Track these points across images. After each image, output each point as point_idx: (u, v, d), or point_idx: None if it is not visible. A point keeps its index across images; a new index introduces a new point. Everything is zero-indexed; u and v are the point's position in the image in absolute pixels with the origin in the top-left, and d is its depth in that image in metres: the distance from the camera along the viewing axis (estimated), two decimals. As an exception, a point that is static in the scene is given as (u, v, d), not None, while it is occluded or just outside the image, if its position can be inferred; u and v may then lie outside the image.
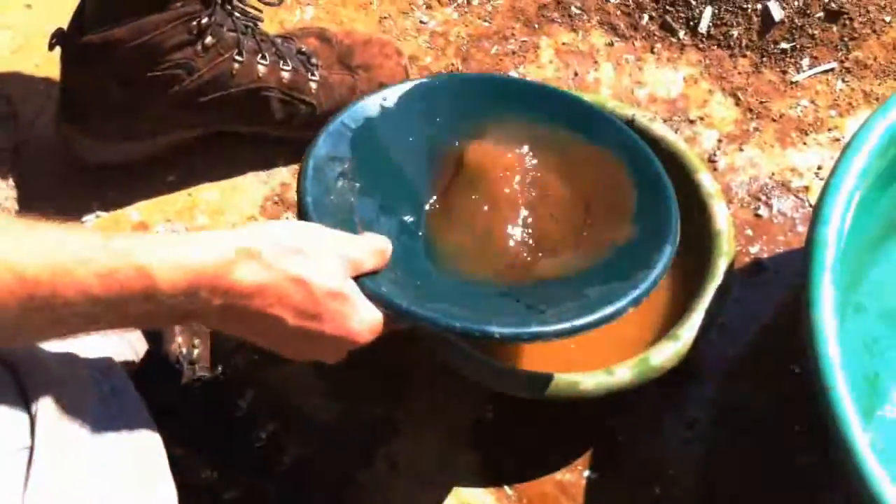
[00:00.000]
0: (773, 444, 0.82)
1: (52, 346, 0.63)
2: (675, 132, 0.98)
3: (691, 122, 1.00)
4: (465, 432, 0.84)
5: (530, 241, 0.77)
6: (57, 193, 0.94)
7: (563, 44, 1.05)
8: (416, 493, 0.82)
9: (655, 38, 1.05)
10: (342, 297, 0.61)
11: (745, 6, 1.03)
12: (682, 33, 1.04)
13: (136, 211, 0.94)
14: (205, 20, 0.85)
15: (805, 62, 1.01)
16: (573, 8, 1.07)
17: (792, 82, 1.01)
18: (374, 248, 0.65)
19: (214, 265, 0.56)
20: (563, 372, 0.77)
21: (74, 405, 0.60)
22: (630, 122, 0.88)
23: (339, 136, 0.75)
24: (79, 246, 0.52)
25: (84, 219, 0.93)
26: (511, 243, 0.77)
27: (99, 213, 0.94)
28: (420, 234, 0.77)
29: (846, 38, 1.01)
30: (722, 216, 0.84)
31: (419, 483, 0.82)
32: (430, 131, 0.80)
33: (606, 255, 0.74)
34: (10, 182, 0.89)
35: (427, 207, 0.78)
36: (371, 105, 0.78)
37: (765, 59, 1.02)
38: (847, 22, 1.02)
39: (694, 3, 1.04)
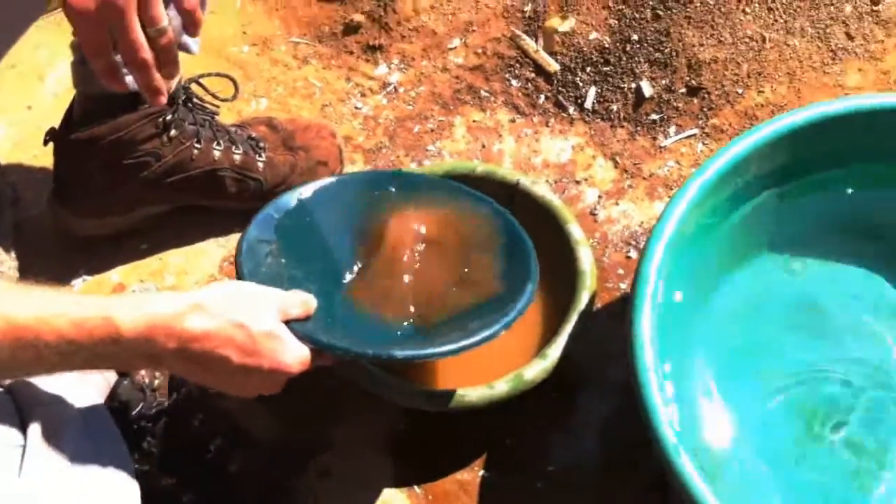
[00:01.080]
0: (631, 438, 1.00)
1: (45, 384, 0.82)
2: (563, 192, 1.19)
3: (577, 182, 1.20)
4: (384, 444, 1.02)
5: (427, 291, 0.94)
6: (51, 261, 1.14)
7: (474, 121, 1.26)
8: (342, 496, 1.00)
9: (550, 114, 1.25)
10: (275, 337, 0.75)
11: (622, 85, 1.24)
12: (571, 109, 1.25)
13: (116, 274, 1.14)
14: (169, 117, 1.06)
15: (672, 129, 1.22)
16: (482, 91, 1.28)
17: (661, 146, 1.21)
18: (299, 299, 0.80)
19: (169, 315, 0.70)
20: (454, 386, 0.96)
21: (61, 418, 0.77)
22: (515, 185, 1.09)
23: (267, 222, 0.92)
24: (60, 302, 0.68)
25: (73, 281, 1.13)
26: (411, 293, 0.94)
27: (85, 276, 1.14)
28: (341, 294, 0.92)
29: (705, 108, 1.22)
30: (586, 259, 1.03)
31: (345, 487, 1.00)
32: (340, 216, 0.98)
33: (482, 299, 0.92)
34: (13, 254, 1.09)
35: (345, 274, 0.94)
36: (291, 198, 0.97)
37: (639, 128, 1.22)
38: (706, 95, 1.22)
39: (581, 84, 1.25)
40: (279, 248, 0.91)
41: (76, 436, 0.77)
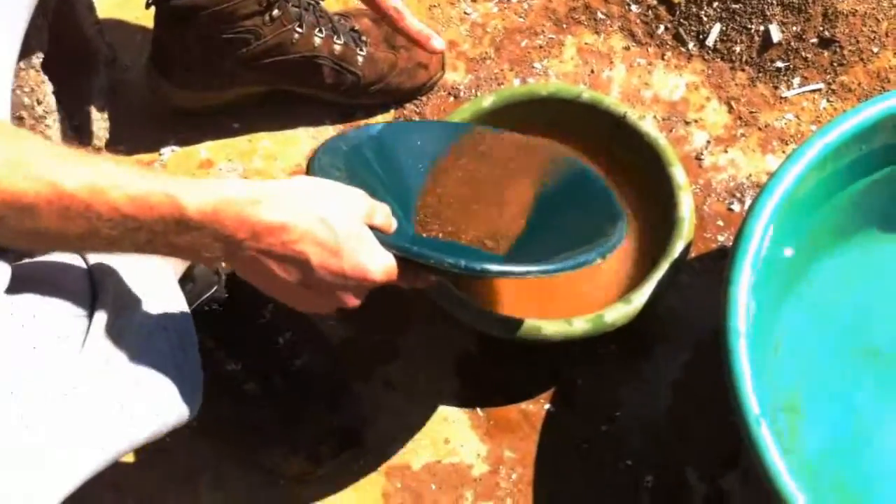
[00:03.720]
0: (707, 405, 0.97)
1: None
2: (670, 131, 1.13)
3: (687, 123, 1.14)
4: (451, 362, 1.01)
5: (504, 225, 0.89)
6: (142, 128, 1.13)
7: (586, 43, 1.20)
8: (403, 406, 0.99)
9: (667, 46, 1.19)
10: (359, 238, 0.68)
11: (749, 26, 1.16)
12: (691, 45, 1.18)
13: (205, 149, 1.13)
14: (273, -4, 1.02)
15: (796, 81, 1.14)
16: (599, 13, 1.21)
17: (781, 97, 1.14)
18: (384, 208, 0.73)
19: (241, 199, 0.63)
20: (531, 318, 0.93)
21: (131, 294, 0.76)
22: (623, 117, 1.03)
23: (336, 151, 0.87)
24: (117, 173, 0.61)
25: (161, 150, 1.12)
26: (485, 225, 0.88)
27: (174, 147, 1.12)
28: (411, 227, 0.87)
29: (835, 63, 1.14)
30: (686, 206, 0.98)
31: (407, 399, 0.99)
32: (407, 157, 0.93)
33: (567, 236, 0.86)
34: (105, 115, 1.07)
35: (412, 212, 0.89)
36: (360, 133, 0.93)
37: (760, 74, 1.15)
38: (838, 49, 1.14)
39: (705, 19, 1.18)
40: (348, 177, 0.84)
41: (144, 315, 0.76)
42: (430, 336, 1.01)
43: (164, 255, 0.67)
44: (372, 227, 0.71)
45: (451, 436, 0.96)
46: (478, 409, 0.98)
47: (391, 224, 0.74)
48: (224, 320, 0.93)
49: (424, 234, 0.87)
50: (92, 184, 0.60)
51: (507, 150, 0.95)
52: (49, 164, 0.59)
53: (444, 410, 0.98)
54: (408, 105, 1.16)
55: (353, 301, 0.71)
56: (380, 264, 0.69)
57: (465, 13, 1.22)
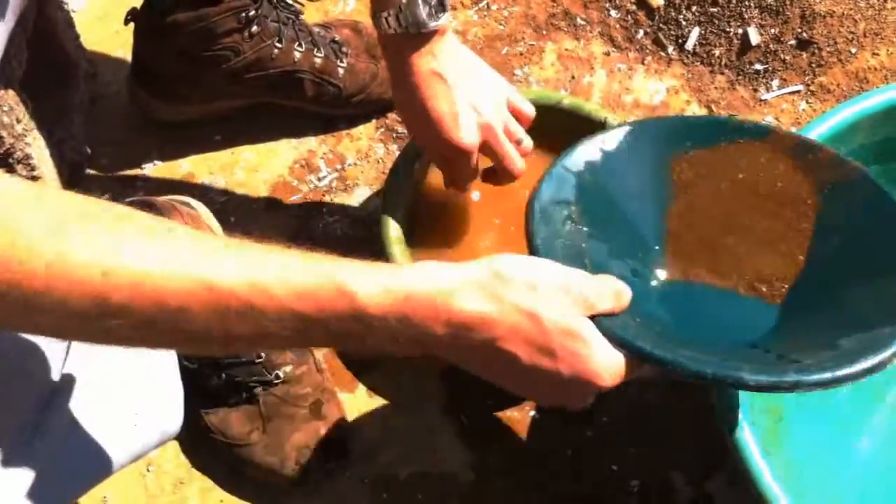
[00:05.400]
0: (693, 409, 0.98)
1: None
2: (651, 135, 1.14)
3: (667, 127, 1.14)
4: (436, 371, 1.01)
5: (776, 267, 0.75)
6: (124, 142, 1.13)
7: (566, 50, 1.20)
8: (388, 416, 0.99)
9: (647, 51, 1.19)
10: (576, 336, 0.58)
11: (727, 29, 1.17)
12: (670, 49, 1.19)
13: (187, 163, 1.13)
14: (252, 12, 1.02)
15: (775, 83, 1.15)
16: (579, 19, 1.22)
17: (761, 100, 1.14)
18: (610, 288, 0.61)
19: (430, 291, 0.55)
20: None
21: None
22: (603, 123, 1.04)
23: (561, 179, 0.75)
24: (278, 264, 0.54)
25: (143, 165, 1.12)
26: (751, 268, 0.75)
27: (157, 161, 1.13)
28: (653, 279, 0.76)
29: (814, 65, 1.15)
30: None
31: (392, 408, 0.99)
32: (650, 172, 0.79)
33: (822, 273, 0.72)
34: (86, 130, 1.07)
35: (657, 247, 0.77)
36: (590, 149, 0.78)
37: (740, 77, 1.16)
38: (816, 50, 1.15)
39: (684, 23, 1.18)
40: (580, 213, 0.73)
41: None
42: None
43: (351, 349, 0.60)
44: (595, 316, 0.60)
45: (437, 444, 0.97)
46: (463, 418, 0.98)
47: (622, 304, 0.62)
48: None
49: (674, 277, 0.76)
50: (253, 280, 0.52)
51: (773, 166, 0.79)
52: (200, 262, 0.52)
53: (429, 419, 0.98)
54: (390, 115, 1.16)
55: (576, 404, 0.61)
56: (605, 366, 0.58)
57: (446, 22, 1.23)
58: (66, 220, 0.50)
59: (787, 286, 0.73)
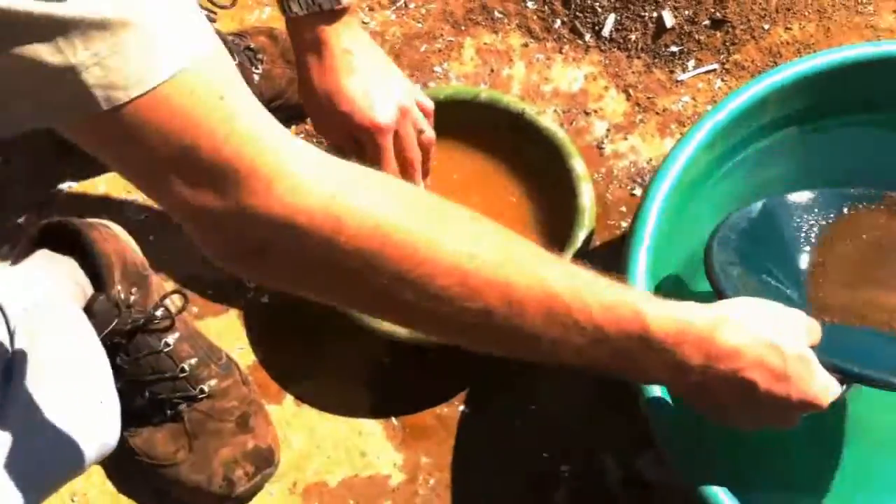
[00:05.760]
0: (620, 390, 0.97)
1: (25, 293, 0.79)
2: (571, 123, 1.14)
3: (587, 113, 1.14)
4: (363, 374, 1.00)
5: None
6: (38, 163, 1.11)
7: (485, 43, 1.20)
8: (317, 423, 0.98)
9: (565, 40, 1.19)
10: (806, 361, 0.65)
11: (642, 14, 1.17)
12: (587, 36, 1.18)
13: (104, 183, 1.11)
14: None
15: (690, 63, 1.15)
16: (496, 12, 1.21)
17: (677, 81, 1.15)
18: (815, 323, 0.70)
19: (702, 322, 0.62)
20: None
21: (42, 324, 0.76)
22: (520, 115, 1.04)
23: (726, 243, 0.84)
24: (588, 279, 0.60)
25: (59, 185, 1.10)
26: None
27: (71, 182, 1.11)
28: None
29: (728, 43, 1.15)
30: (587, 195, 0.98)
31: (320, 415, 0.98)
32: (794, 233, 0.89)
33: None
34: (-1, 158, 1.06)
35: (812, 296, 0.85)
36: (741, 218, 0.88)
37: (656, 60, 1.16)
38: (730, 29, 1.15)
39: (600, 10, 1.18)
40: (746, 272, 0.82)
41: (56, 342, 0.76)
42: (341, 349, 1.00)
43: (614, 374, 0.65)
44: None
45: (367, 448, 0.96)
46: (392, 419, 0.97)
47: (818, 337, 0.70)
48: (127, 350, 0.91)
49: (826, 320, 0.81)
50: (573, 287, 0.58)
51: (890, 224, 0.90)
52: (535, 262, 0.58)
53: (358, 423, 0.97)
54: (310, 119, 1.15)
55: (788, 425, 0.68)
56: (823, 388, 0.66)
57: (364, 22, 1.22)
58: (433, 209, 0.56)
59: None
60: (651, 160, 1.10)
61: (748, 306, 0.66)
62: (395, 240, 0.53)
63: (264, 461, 0.92)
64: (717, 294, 0.77)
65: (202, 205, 0.50)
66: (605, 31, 1.18)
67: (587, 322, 0.58)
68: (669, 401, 0.77)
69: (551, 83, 1.17)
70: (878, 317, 0.82)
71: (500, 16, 1.21)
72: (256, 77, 1.09)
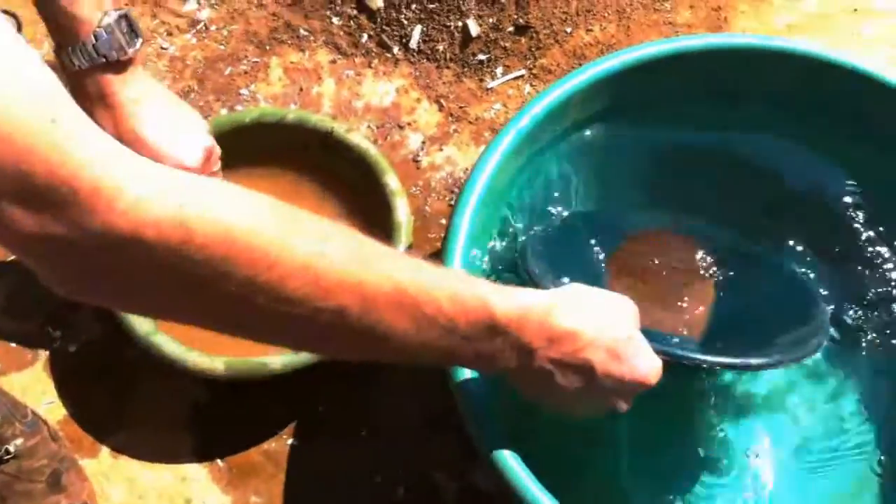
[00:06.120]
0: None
1: None
2: (386, 137, 1.12)
3: (401, 127, 1.13)
4: (184, 417, 0.95)
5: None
6: None
7: (292, 62, 1.17)
8: (137, 473, 0.92)
9: (373, 54, 1.17)
10: (636, 342, 0.67)
11: (448, 24, 1.17)
12: (396, 49, 1.17)
13: None
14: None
15: (499, 71, 1.16)
16: (301, 30, 1.19)
17: (487, 88, 1.15)
18: (636, 308, 0.71)
19: (540, 307, 0.63)
20: (257, 356, 0.89)
21: None
22: (329, 134, 1.01)
23: (536, 253, 0.84)
24: (434, 272, 0.60)
25: None
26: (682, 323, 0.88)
27: None
28: None
29: (533, 49, 1.16)
30: (402, 210, 0.97)
31: (140, 465, 0.93)
32: (586, 246, 0.91)
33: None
34: None
35: None
36: (546, 229, 0.90)
37: (465, 69, 1.16)
38: (534, 34, 1.16)
39: (406, 22, 1.17)
40: (555, 279, 0.83)
41: None
42: (156, 394, 0.95)
43: (464, 366, 0.68)
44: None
45: (192, 494, 0.91)
46: (218, 461, 0.93)
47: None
48: None
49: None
50: (419, 281, 0.58)
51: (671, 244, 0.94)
52: (384, 259, 0.59)
53: (181, 469, 0.93)
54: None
55: (625, 406, 0.69)
56: (651, 367, 0.67)
57: (163, 48, 1.17)
58: (282, 213, 0.55)
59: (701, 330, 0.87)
60: (467, 170, 1.10)
61: (581, 291, 0.67)
62: (245, 243, 0.52)
63: (81, 521, 0.87)
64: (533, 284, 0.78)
65: (44, 232, 0.48)
66: (413, 43, 1.17)
67: (436, 313, 0.59)
68: (489, 411, 0.76)
69: (363, 98, 1.15)
70: (670, 323, 0.87)
71: (305, 33, 1.19)
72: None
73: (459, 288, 0.61)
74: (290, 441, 0.94)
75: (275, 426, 0.94)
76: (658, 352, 0.69)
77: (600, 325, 0.65)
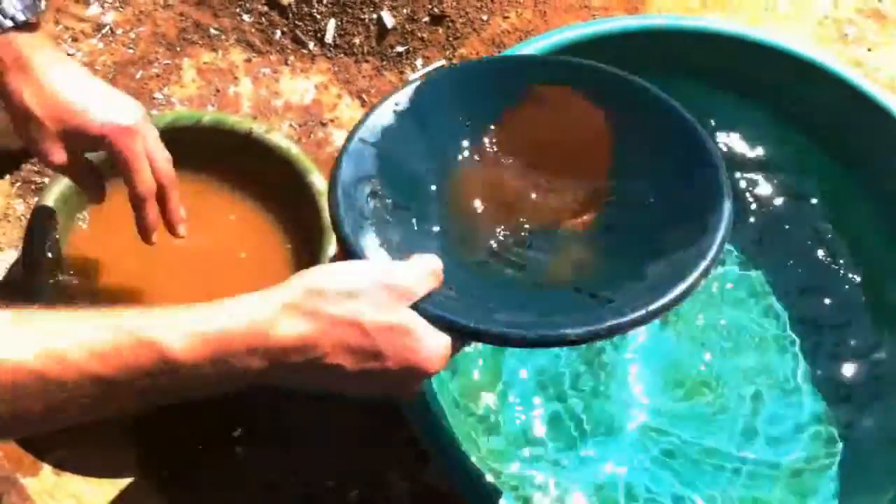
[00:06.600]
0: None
1: None
2: (309, 135, 1.11)
3: (323, 124, 1.11)
4: (124, 429, 0.92)
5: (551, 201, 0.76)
6: None
7: (205, 63, 1.14)
8: (81, 490, 0.89)
9: (288, 51, 1.16)
10: (401, 330, 0.57)
11: (362, 16, 1.16)
12: (311, 45, 1.16)
13: None
14: None
15: (419, 62, 1.15)
16: (212, 29, 1.16)
17: (409, 80, 1.14)
18: (424, 270, 0.61)
19: (243, 327, 0.53)
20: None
21: None
22: (248, 135, 0.99)
23: (360, 154, 0.70)
24: (84, 329, 0.51)
25: None
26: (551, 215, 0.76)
27: None
28: (467, 230, 0.74)
29: (451, 38, 1.16)
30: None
31: (84, 481, 0.90)
32: (446, 125, 0.77)
33: (637, 212, 0.72)
34: None
35: (471, 203, 0.75)
36: (384, 113, 0.74)
37: (384, 62, 1.15)
38: (450, 24, 1.16)
39: (319, 16, 1.16)
40: (383, 186, 0.70)
41: None
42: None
43: (163, 403, 0.56)
44: (416, 303, 0.59)
45: (136, 511, 0.89)
46: (164, 472, 0.91)
47: (438, 279, 0.62)
48: None
49: (484, 229, 0.72)
50: (42, 348, 0.49)
51: (573, 111, 0.78)
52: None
53: (125, 483, 0.90)
54: (25, 167, 1.05)
55: (408, 392, 0.61)
56: (431, 352, 0.58)
57: (69, 55, 1.13)
58: None
59: (594, 217, 0.74)
60: (392, 163, 1.09)
61: (316, 281, 0.57)
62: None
63: (23, 549, 0.83)
64: (336, 233, 0.67)
65: None
66: (328, 38, 1.16)
67: (80, 377, 0.51)
68: (438, 409, 0.76)
69: (282, 97, 1.13)
70: (545, 217, 0.76)
71: (216, 32, 1.16)
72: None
73: (108, 336, 0.51)
74: (236, 450, 0.92)
75: (219, 437, 0.92)
76: (441, 324, 0.59)
77: (339, 322, 0.56)
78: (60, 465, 0.90)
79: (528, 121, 0.78)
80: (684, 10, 1.18)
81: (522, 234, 0.75)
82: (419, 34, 1.16)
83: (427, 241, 0.70)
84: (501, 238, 0.74)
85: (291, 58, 1.15)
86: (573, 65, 0.79)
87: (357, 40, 1.15)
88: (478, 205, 0.76)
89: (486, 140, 0.78)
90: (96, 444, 0.91)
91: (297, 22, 1.16)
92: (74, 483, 0.90)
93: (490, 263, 0.72)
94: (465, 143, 0.77)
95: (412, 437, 0.91)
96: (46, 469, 0.90)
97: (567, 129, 0.78)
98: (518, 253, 0.73)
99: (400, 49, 1.15)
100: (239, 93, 1.13)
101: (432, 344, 0.58)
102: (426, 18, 1.16)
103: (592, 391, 0.91)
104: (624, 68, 0.97)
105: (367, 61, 1.15)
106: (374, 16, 1.15)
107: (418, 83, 0.77)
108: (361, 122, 0.73)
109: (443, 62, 1.15)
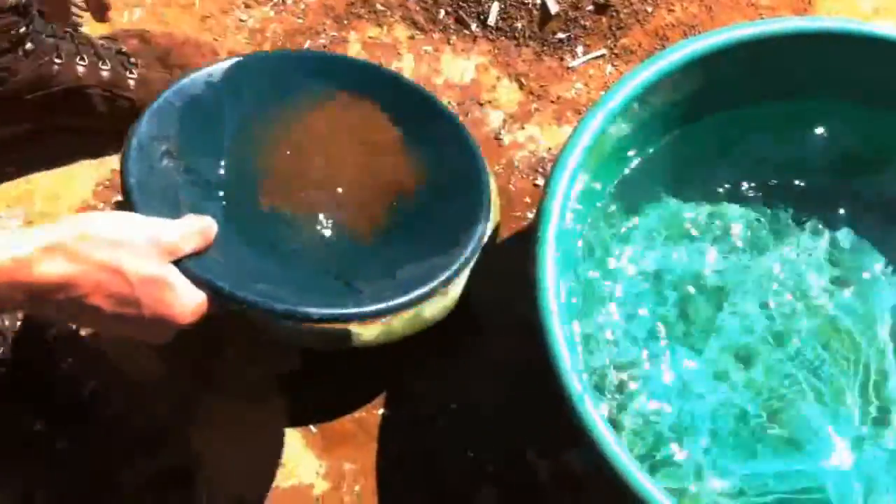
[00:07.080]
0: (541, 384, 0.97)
1: None
2: (466, 115, 1.13)
3: (481, 104, 1.13)
4: (276, 383, 0.96)
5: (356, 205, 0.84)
6: None
7: (370, 37, 1.17)
8: (232, 436, 0.94)
9: (451, 30, 1.18)
10: (160, 283, 0.62)
11: (526, 1, 1.17)
12: (473, 26, 1.18)
13: None
14: (23, 29, 0.94)
15: (579, 50, 1.16)
16: (378, 5, 1.19)
17: (568, 68, 1.15)
18: (193, 229, 0.66)
19: (13, 261, 0.57)
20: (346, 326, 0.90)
21: None
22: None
23: (165, 113, 0.75)
24: None
25: (-73, 208, 1.02)
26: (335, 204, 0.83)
27: (-58, 201, 1.03)
28: (254, 200, 0.79)
29: (614, 28, 1.16)
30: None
31: (234, 431, 0.94)
32: (260, 101, 0.83)
33: (402, 214, 0.82)
34: None
35: (262, 174, 0.81)
36: (197, 81, 0.79)
37: (545, 47, 1.16)
38: (614, 13, 1.16)
39: (484, -2, 1.18)
40: (178, 146, 0.75)
41: None
42: (248, 358, 0.96)
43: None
44: (181, 259, 0.65)
45: (287, 458, 0.92)
46: (311, 426, 0.94)
47: (207, 239, 0.68)
48: (18, 380, 0.85)
49: (271, 205, 0.78)
50: None
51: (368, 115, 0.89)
52: None
53: (275, 434, 0.94)
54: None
55: (158, 341, 0.66)
56: (185, 307, 0.64)
57: (241, 20, 1.17)
58: None
59: (374, 215, 0.83)
60: (551, 149, 1.10)
61: (90, 225, 0.61)
62: None
63: (176, 482, 0.88)
64: (121, 183, 0.71)
65: None
66: (491, 20, 1.17)
67: None
68: (590, 392, 0.77)
69: (442, 75, 1.15)
70: (323, 208, 0.82)
71: (382, 8, 1.19)
72: (132, 82, 1.04)
73: None
74: (380, 411, 0.95)
75: (365, 396, 0.95)
76: (200, 283, 0.64)
77: (103, 268, 0.60)
78: (211, 414, 0.94)
79: (330, 116, 0.86)
80: (855, 15, 1.16)
81: (301, 216, 0.81)
82: (582, 22, 1.16)
83: (210, 206, 0.74)
84: (282, 215, 0.80)
85: (454, 37, 1.17)
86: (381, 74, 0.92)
87: (519, 24, 1.17)
88: (267, 180, 0.82)
89: (288, 124, 0.84)
90: (246, 392, 0.96)
91: (461, 2, 1.18)
92: (225, 431, 0.94)
93: (266, 237, 0.77)
94: (269, 124, 0.83)
95: (555, 415, 0.92)
96: (198, 417, 0.94)
97: (362, 129, 0.87)
98: (294, 233, 0.79)
99: (561, 35, 1.16)
100: (401, 68, 1.15)
101: (187, 299, 0.64)
102: (590, 7, 1.16)
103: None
104: (782, 76, 0.96)
105: (527, 45, 1.16)
106: (538, 1, 1.16)
107: (237, 60, 0.84)
108: (174, 84, 0.79)
109: (604, 52, 1.16)
